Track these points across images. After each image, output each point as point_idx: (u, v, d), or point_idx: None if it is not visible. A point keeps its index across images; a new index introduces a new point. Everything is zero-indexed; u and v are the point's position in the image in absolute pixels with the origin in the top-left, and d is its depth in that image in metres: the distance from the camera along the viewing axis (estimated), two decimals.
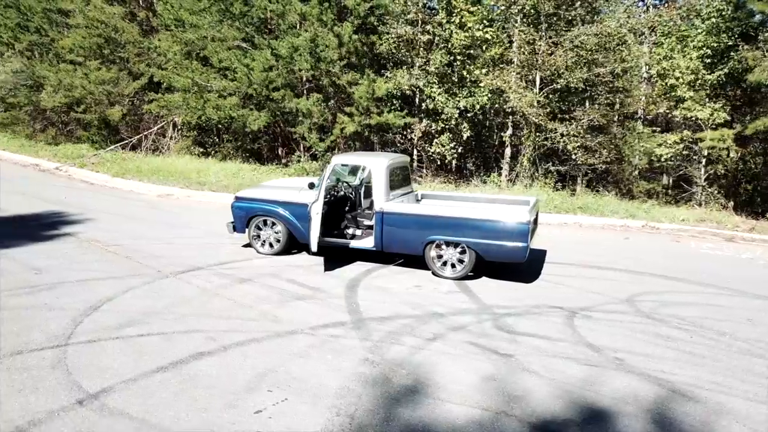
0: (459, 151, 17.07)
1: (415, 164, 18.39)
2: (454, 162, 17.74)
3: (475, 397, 4.40)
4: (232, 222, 8.63)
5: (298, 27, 16.72)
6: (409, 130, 17.53)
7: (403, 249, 7.85)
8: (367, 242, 7.99)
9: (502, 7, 15.68)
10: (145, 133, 20.05)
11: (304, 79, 17.23)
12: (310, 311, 6.11)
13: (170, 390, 4.26)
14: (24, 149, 19.71)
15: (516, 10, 16.10)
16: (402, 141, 18.36)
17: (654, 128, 18.65)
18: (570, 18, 16.11)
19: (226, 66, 16.91)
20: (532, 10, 15.93)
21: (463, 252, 7.50)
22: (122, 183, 15.01)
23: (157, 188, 14.40)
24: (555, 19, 16.23)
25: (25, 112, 22.16)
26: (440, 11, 15.82)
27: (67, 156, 18.30)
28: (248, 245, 8.73)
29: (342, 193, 8.75)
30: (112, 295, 6.26)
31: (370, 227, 8.21)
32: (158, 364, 4.66)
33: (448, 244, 7.55)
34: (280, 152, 19.44)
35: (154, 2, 20.18)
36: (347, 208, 8.83)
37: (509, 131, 17.17)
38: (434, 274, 7.70)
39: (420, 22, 17.06)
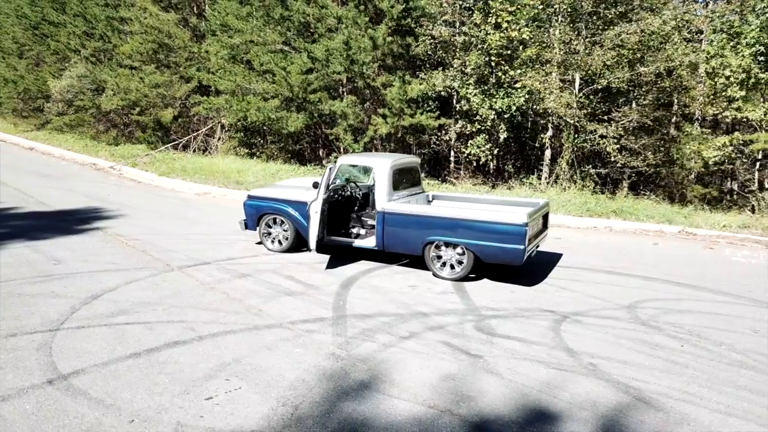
0: (495, 152, 16.86)
1: (451, 165, 18.31)
2: (491, 163, 17.52)
3: (425, 394, 4.43)
4: (245, 219, 8.96)
5: (338, 30, 17.02)
6: (443, 132, 17.48)
7: (404, 249, 7.91)
8: (369, 242, 8.10)
9: (540, 7, 15.35)
10: (194, 134, 20.94)
11: (345, 81, 17.52)
12: (295, 307, 6.29)
13: (135, 374, 4.53)
14: (87, 149, 21.03)
15: (553, 10, 15.76)
16: (437, 142, 18.32)
17: (704, 130, 17.75)
18: (610, 17, 15.60)
19: (267, 69, 17.42)
20: (569, 8, 15.55)
21: (462, 253, 7.49)
22: (166, 182, 15.76)
23: (197, 187, 15.03)
24: (594, 17, 15.78)
25: (90, 114, 23.61)
26: (476, 12, 15.69)
27: (122, 156, 19.39)
28: (261, 242, 9.03)
29: (349, 192, 8.89)
30: (115, 285, 6.67)
31: (375, 227, 8.32)
32: (133, 351, 4.96)
33: (447, 245, 7.56)
34: (320, 153, 19.83)
35: (205, 9, 21.07)
36: (356, 207, 8.98)
37: (549, 132, 16.82)
38: (434, 274, 7.73)
39: (457, 23, 16.99)
